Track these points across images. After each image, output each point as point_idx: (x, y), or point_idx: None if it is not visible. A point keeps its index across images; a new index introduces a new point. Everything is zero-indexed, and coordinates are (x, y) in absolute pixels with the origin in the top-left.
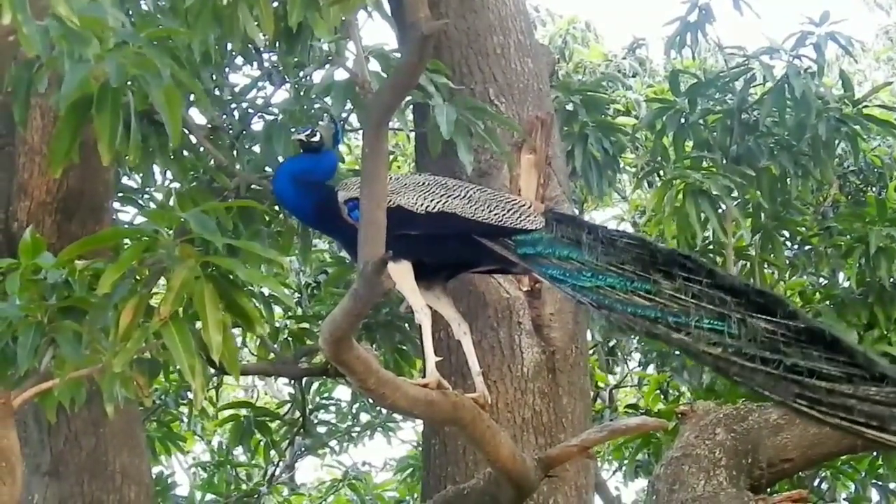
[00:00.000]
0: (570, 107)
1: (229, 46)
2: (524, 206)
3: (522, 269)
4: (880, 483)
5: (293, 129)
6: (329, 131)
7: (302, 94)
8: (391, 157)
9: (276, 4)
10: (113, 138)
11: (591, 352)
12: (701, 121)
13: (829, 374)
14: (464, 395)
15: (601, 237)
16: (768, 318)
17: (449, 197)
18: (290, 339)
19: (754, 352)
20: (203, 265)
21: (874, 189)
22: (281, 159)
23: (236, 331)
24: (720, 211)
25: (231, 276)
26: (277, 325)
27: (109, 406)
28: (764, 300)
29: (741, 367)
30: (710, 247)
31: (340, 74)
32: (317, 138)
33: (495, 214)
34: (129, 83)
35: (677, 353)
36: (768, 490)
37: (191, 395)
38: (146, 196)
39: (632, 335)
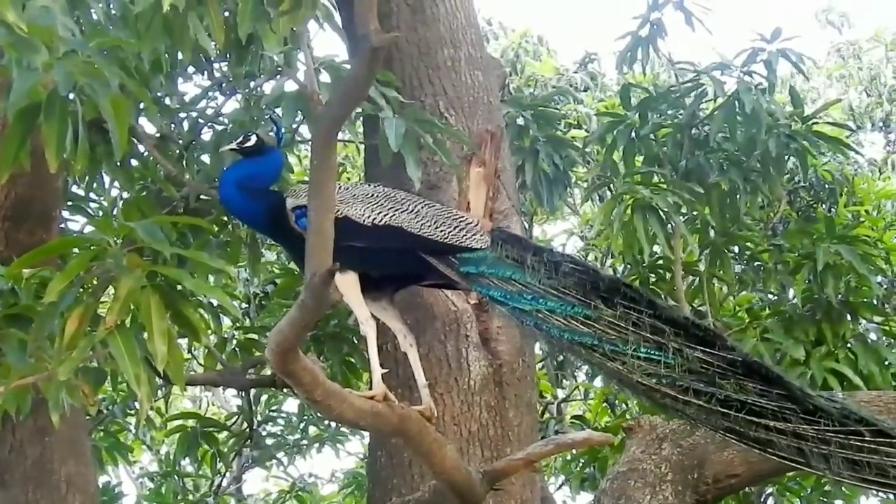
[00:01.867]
0: (520, 121)
1: (180, 56)
2: (471, 223)
3: (465, 287)
4: (826, 500)
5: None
6: (269, 132)
7: (252, 104)
8: (340, 168)
9: (226, 14)
10: (60, 146)
11: (539, 365)
12: (651, 135)
13: (761, 408)
14: (410, 407)
15: (545, 259)
16: (706, 349)
17: (396, 211)
18: (237, 349)
19: (688, 384)
20: (150, 275)
21: (825, 205)
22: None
23: (184, 341)
24: (669, 227)
25: (178, 287)
26: (225, 335)
27: (55, 414)
28: (703, 333)
29: (673, 398)
30: (659, 262)
31: (291, 85)
32: (251, 143)
33: (441, 231)
34: (77, 91)
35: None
36: None
37: (138, 405)
38: (96, 205)
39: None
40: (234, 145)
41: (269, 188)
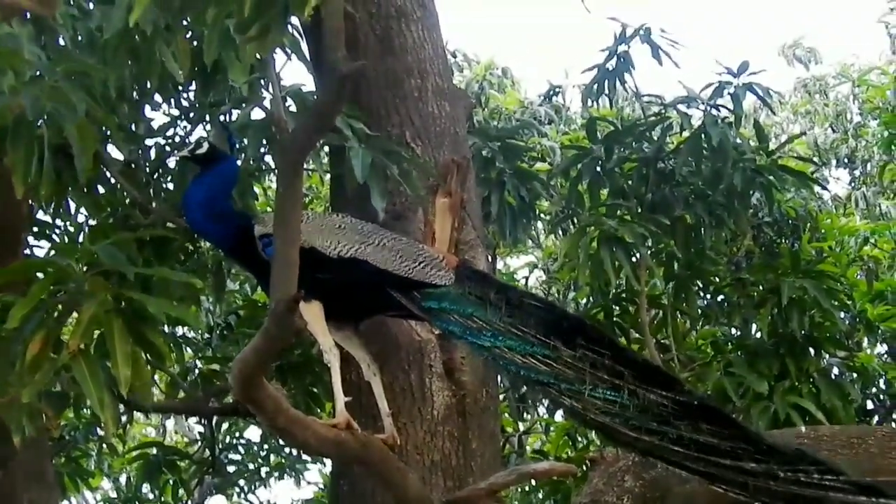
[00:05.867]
0: (486, 152)
1: (148, 85)
2: (436, 259)
3: (426, 320)
4: None
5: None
6: (221, 137)
7: None
8: (306, 199)
9: (195, 44)
10: (27, 171)
11: (501, 397)
12: (617, 168)
13: (713, 446)
14: (373, 435)
15: (508, 298)
16: (663, 393)
17: (362, 244)
18: (199, 379)
19: (641, 423)
20: (115, 299)
21: (788, 241)
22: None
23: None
24: (634, 259)
25: (142, 311)
26: (188, 364)
27: (17, 437)
28: (661, 377)
29: (625, 434)
30: (623, 295)
31: (258, 114)
32: (203, 149)
33: (405, 266)
34: (44, 116)
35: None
36: None
37: (100, 432)
38: (61, 230)
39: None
40: (185, 153)
41: (233, 209)
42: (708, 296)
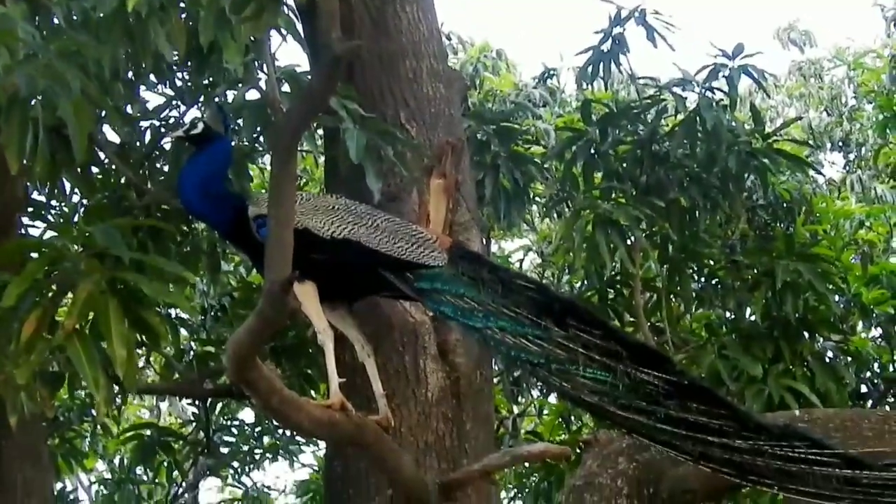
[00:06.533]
0: (481, 135)
1: (143, 65)
2: (428, 240)
3: (419, 300)
4: None
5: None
6: (215, 117)
7: None
8: (300, 180)
9: (190, 24)
10: (21, 148)
11: (495, 379)
12: (611, 151)
13: (702, 425)
14: (367, 416)
15: (500, 278)
16: (653, 373)
17: (355, 225)
18: (194, 361)
19: (631, 402)
20: (110, 281)
21: (782, 224)
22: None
23: (141, 350)
24: (629, 242)
25: (137, 292)
26: (182, 346)
27: (13, 418)
28: (652, 357)
29: (614, 413)
30: (618, 278)
31: (253, 95)
32: (198, 129)
33: (398, 247)
34: (38, 95)
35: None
36: None
37: (94, 413)
38: (56, 211)
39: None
40: (180, 133)
41: (228, 189)
42: (702, 279)
